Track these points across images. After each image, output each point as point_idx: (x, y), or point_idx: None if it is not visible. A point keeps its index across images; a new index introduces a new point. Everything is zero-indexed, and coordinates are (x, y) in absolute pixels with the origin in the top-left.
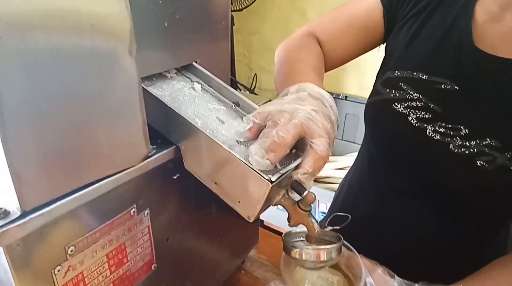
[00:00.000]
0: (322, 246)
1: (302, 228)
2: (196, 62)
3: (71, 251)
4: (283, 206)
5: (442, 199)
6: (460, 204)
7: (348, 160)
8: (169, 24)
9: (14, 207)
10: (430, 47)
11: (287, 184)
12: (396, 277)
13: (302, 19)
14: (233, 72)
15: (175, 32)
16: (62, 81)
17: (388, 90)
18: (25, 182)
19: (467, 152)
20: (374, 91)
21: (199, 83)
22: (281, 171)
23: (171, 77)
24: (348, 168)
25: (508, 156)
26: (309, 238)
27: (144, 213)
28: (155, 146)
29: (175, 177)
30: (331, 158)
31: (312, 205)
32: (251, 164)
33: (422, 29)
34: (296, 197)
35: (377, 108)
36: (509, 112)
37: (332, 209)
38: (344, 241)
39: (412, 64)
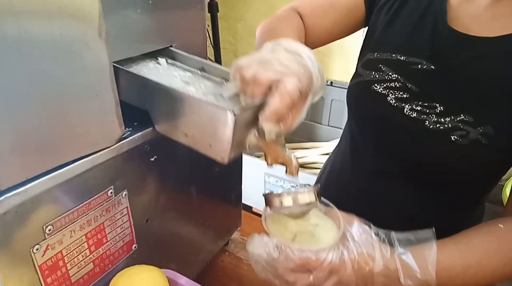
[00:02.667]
0: (300, 189)
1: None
2: (171, 46)
3: (49, 230)
4: (256, 147)
5: (421, 176)
6: (438, 181)
7: (334, 145)
8: (142, 8)
9: None
10: (408, 29)
11: (256, 123)
12: (372, 226)
13: (286, 4)
14: (219, 60)
15: (148, 16)
16: (32, 64)
17: (368, 71)
18: (2, 161)
19: (441, 127)
20: (356, 73)
21: (163, 58)
22: (243, 104)
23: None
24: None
25: (480, 130)
26: (290, 171)
27: (122, 194)
28: (130, 128)
29: (152, 159)
30: (317, 144)
31: (283, 138)
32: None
33: (401, 11)
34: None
35: (358, 90)
36: (480, 88)
37: None
38: (323, 198)
39: (390, 45)
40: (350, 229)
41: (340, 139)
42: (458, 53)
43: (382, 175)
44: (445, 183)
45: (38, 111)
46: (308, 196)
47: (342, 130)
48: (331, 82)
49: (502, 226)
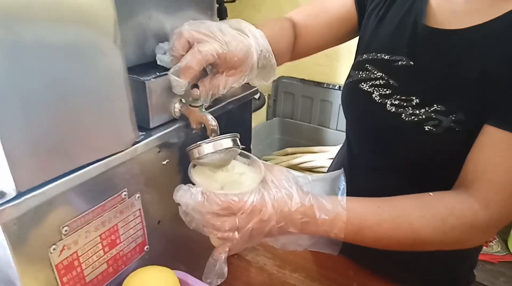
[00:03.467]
0: (217, 137)
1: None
2: None
3: (65, 231)
4: (182, 115)
5: (409, 170)
6: (425, 173)
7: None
8: (153, 16)
9: (10, 188)
10: (391, 29)
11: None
12: (292, 172)
13: (294, 8)
14: None
15: (159, 23)
16: (49, 70)
17: (356, 72)
18: (19, 165)
19: (416, 119)
20: (348, 75)
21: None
22: (157, 73)
23: None
24: None
25: (452, 118)
26: (209, 131)
27: (135, 197)
28: (143, 133)
29: (164, 163)
30: (324, 148)
31: (201, 101)
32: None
33: (387, 14)
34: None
35: (347, 89)
36: (450, 78)
37: None
38: (244, 151)
39: (376, 46)
40: (271, 175)
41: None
42: (433, 47)
43: (375, 172)
44: (432, 174)
45: (55, 116)
46: (226, 142)
47: None
48: (339, 87)
49: (431, 194)
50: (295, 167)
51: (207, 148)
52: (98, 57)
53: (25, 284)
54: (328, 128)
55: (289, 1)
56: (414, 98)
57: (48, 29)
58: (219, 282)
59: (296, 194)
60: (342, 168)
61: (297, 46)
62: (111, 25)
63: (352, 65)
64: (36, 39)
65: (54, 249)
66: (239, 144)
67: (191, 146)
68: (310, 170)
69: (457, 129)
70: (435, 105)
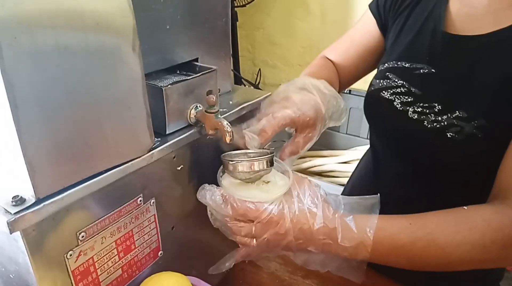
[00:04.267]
0: (256, 157)
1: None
2: (197, 59)
3: (82, 237)
4: (198, 120)
5: (433, 176)
6: (446, 181)
7: (352, 154)
8: (170, 22)
9: (29, 194)
10: (411, 37)
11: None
12: (323, 190)
13: (305, 13)
14: (237, 68)
15: (176, 30)
16: (70, 77)
17: (378, 81)
18: (38, 171)
19: (438, 126)
20: (370, 85)
21: None
22: (174, 79)
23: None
24: (353, 162)
25: (475, 124)
26: (225, 137)
27: (150, 202)
28: (159, 139)
29: (179, 168)
30: (335, 152)
31: (216, 107)
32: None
33: (407, 22)
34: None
35: (370, 98)
36: (471, 83)
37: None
38: (281, 161)
39: (396, 54)
40: (298, 188)
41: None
42: (453, 53)
43: (400, 179)
44: (457, 181)
45: (74, 122)
46: (261, 164)
47: (360, 138)
48: (350, 91)
49: (466, 208)
50: (305, 171)
51: (241, 167)
52: (117, 65)
53: None
54: (338, 132)
55: (300, 6)
56: (436, 105)
57: (69, 37)
58: (222, 271)
59: (321, 213)
60: (378, 194)
61: (340, 83)
62: (130, 32)
63: (375, 74)
64: (57, 47)
65: (70, 255)
66: (274, 162)
67: (226, 155)
68: (320, 174)
69: (479, 135)
70: (457, 112)
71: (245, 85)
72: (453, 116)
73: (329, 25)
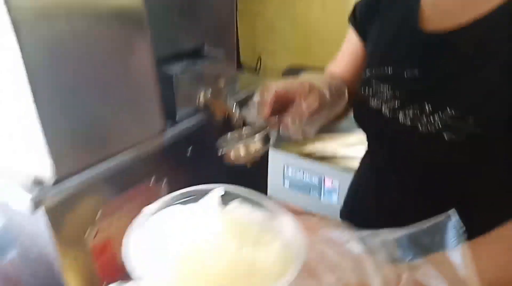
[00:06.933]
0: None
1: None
2: (204, 45)
3: (99, 215)
4: (206, 105)
5: (436, 185)
6: (455, 185)
7: (355, 138)
8: (178, 11)
9: (49, 175)
10: (390, 40)
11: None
12: (346, 230)
13: None
14: (237, 55)
15: (184, 18)
16: (86, 62)
17: (363, 89)
18: (58, 153)
19: (433, 129)
20: (356, 94)
21: None
22: (183, 66)
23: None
24: (356, 145)
25: (472, 122)
26: (234, 121)
27: (162, 183)
28: (170, 122)
29: (188, 151)
30: (336, 135)
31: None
32: None
33: (384, 25)
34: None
35: (357, 108)
36: (459, 80)
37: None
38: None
39: (378, 60)
40: (320, 247)
41: None
42: (433, 52)
43: (398, 189)
44: (462, 185)
45: (91, 106)
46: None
47: None
48: None
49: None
50: (308, 156)
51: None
52: (131, 50)
53: (64, 265)
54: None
55: None
56: (426, 107)
57: (85, 25)
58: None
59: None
60: (454, 209)
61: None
62: (142, 20)
63: (360, 83)
64: (74, 35)
65: (89, 233)
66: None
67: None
68: (323, 157)
69: (479, 133)
70: (448, 110)
71: (245, 72)
72: (447, 116)
73: (329, 12)
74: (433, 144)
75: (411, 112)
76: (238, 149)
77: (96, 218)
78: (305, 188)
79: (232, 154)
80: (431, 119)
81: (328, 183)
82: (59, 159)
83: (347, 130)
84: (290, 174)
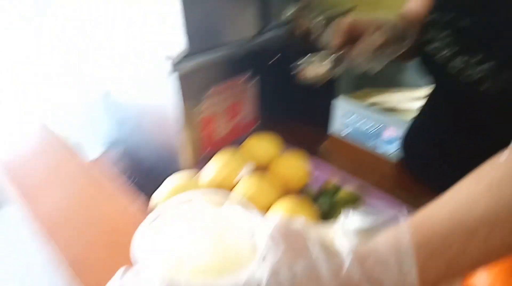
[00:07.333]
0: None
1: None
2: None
3: (207, 95)
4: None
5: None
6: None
7: (421, 92)
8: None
9: (183, 50)
10: None
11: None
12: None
13: None
14: None
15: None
16: None
17: (423, 32)
18: (191, 36)
19: (474, 78)
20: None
21: None
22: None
23: None
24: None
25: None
26: (313, 42)
27: (254, 79)
28: (263, 27)
29: (277, 54)
30: (404, 89)
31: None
32: None
33: None
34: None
35: (417, 52)
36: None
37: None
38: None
39: (440, 3)
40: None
41: None
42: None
43: (450, 130)
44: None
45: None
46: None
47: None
48: None
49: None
50: (371, 107)
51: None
52: None
53: (184, 122)
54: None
55: None
56: (476, 56)
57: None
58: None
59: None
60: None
61: None
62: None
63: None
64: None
65: (200, 106)
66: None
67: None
68: (386, 108)
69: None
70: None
71: None
72: (489, 67)
73: None
74: (471, 93)
75: (465, 57)
76: (311, 69)
77: (204, 96)
78: (364, 137)
79: (305, 73)
80: (477, 69)
81: (387, 133)
82: (192, 40)
83: (414, 85)
84: (352, 122)
